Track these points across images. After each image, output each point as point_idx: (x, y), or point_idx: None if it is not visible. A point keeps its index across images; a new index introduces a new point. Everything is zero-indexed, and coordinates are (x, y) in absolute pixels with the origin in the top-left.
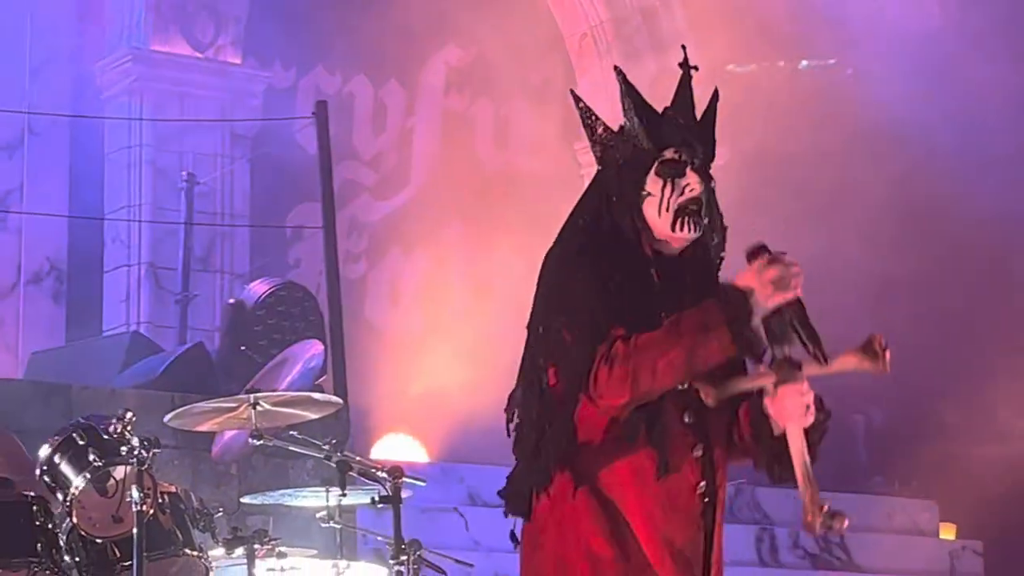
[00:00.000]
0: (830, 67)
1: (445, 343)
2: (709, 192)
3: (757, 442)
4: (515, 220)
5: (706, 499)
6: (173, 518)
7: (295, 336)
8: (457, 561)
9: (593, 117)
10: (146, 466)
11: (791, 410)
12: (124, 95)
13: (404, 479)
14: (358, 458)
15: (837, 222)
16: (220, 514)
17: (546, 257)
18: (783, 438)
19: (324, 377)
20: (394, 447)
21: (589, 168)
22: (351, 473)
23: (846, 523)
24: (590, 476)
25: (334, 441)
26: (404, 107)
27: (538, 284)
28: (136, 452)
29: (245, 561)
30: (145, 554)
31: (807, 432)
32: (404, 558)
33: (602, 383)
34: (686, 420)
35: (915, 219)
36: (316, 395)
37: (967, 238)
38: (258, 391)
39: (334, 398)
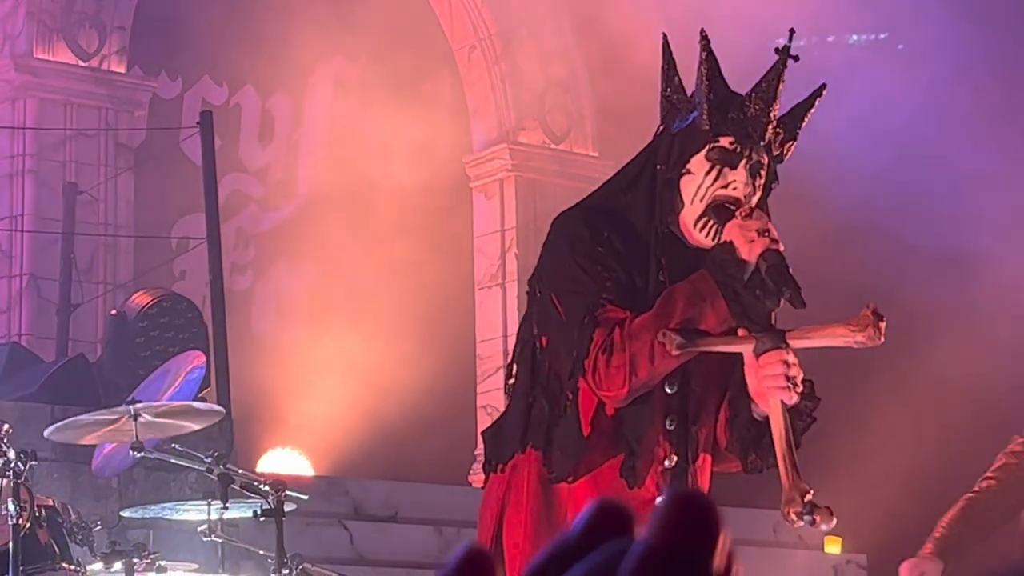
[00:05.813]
0: None
1: (331, 356)
2: (751, 200)
3: (732, 427)
4: (402, 232)
5: None
6: (50, 532)
7: (178, 348)
8: None
9: (672, 70)
10: (22, 479)
11: (772, 380)
12: (7, 103)
13: (287, 492)
14: (240, 471)
15: None
16: (98, 528)
17: (561, 214)
18: (762, 424)
19: (207, 389)
20: (279, 460)
21: (478, 181)
22: (233, 486)
23: (833, 522)
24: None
25: (216, 454)
26: (291, 118)
27: (545, 241)
28: (12, 465)
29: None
30: (21, 568)
31: (791, 417)
32: (286, 572)
33: (601, 374)
34: (668, 426)
35: None
36: (197, 404)
37: None
38: (139, 402)
39: (216, 407)
